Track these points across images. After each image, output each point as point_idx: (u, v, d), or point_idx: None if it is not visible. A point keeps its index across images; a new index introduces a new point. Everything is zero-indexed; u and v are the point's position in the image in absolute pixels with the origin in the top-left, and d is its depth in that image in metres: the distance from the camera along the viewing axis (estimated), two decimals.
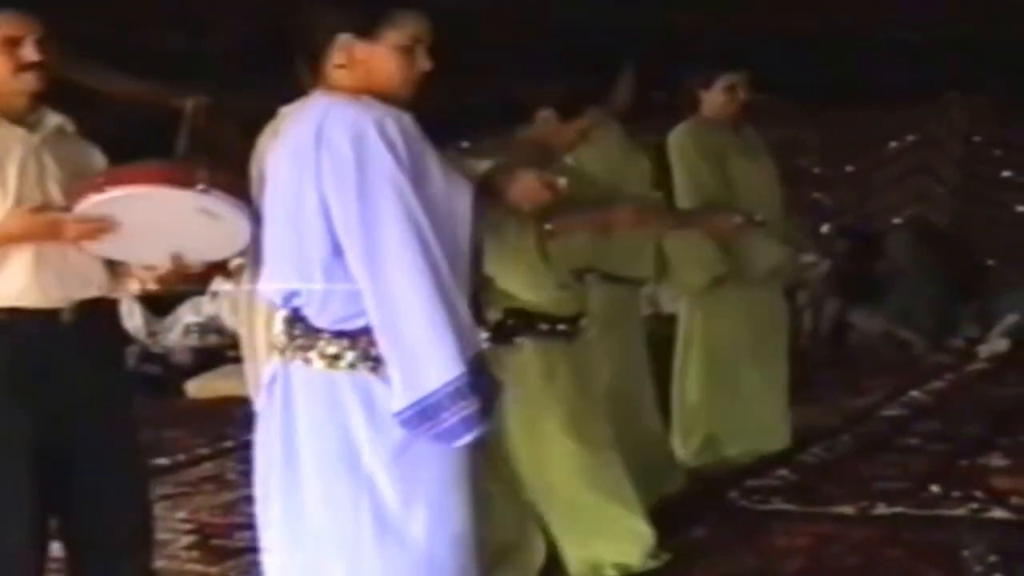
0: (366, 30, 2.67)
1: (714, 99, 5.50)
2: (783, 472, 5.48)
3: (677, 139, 5.49)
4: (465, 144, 7.08)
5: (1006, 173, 10.20)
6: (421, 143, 2.62)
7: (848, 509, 4.93)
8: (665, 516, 4.80)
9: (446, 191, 2.62)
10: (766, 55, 6.59)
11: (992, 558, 3.93)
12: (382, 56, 2.68)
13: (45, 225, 3.12)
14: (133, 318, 9.08)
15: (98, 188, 2.99)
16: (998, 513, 4.76)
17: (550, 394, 4.16)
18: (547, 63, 4.46)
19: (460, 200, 2.64)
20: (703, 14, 7.24)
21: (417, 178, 2.56)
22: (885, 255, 9.55)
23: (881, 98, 9.83)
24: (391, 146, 2.54)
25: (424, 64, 2.73)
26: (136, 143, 3.44)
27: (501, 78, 4.43)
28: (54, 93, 3.32)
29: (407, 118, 2.62)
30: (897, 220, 10.16)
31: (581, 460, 4.20)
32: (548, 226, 4.03)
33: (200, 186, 2.88)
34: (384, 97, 2.67)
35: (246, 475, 5.76)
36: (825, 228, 10.14)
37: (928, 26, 7.85)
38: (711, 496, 5.17)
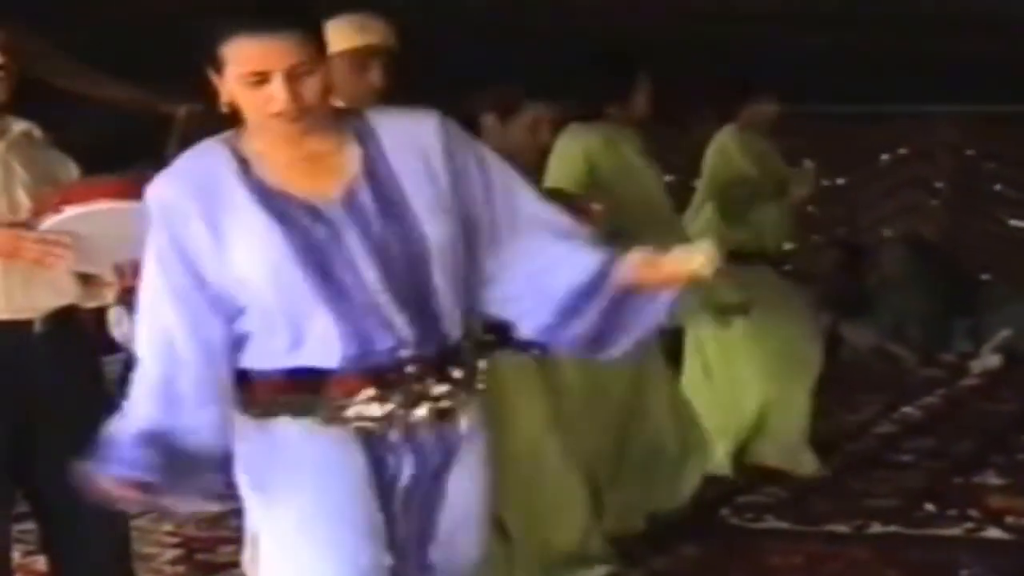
0: None
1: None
2: (774, 489, 5.41)
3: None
4: None
5: (998, 187, 10.17)
6: None
7: (842, 527, 4.88)
8: (656, 533, 4.77)
9: None
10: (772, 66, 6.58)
11: None
12: None
13: (5, 242, 3.07)
14: (121, 325, 9.01)
15: (55, 208, 3.00)
16: (993, 533, 4.72)
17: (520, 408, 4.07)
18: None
19: None
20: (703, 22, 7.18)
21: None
22: (876, 269, 9.48)
23: (873, 110, 9.82)
24: None
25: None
26: (127, 150, 3.40)
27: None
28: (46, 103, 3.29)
29: None
30: (889, 233, 10.11)
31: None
32: None
33: None
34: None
35: (232, 487, 5.77)
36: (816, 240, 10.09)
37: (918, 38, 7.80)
38: (702, 513, 5.08)
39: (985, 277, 9.90)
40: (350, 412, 2.28)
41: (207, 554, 4.82)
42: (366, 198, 2.26)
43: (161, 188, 2.29)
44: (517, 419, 4.06)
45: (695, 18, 7.05)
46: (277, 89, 2.17)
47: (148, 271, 2.29)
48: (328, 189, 2.26)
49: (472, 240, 2.34)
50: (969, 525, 4.82)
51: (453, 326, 2.31)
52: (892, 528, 4.84)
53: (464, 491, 2.40)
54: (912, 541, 4.69)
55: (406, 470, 2.33)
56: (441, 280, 2.27)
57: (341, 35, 3.38)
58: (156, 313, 2.27)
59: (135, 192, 2.89)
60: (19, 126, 3.26)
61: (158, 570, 4.64)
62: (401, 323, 2.25)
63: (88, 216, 2.97)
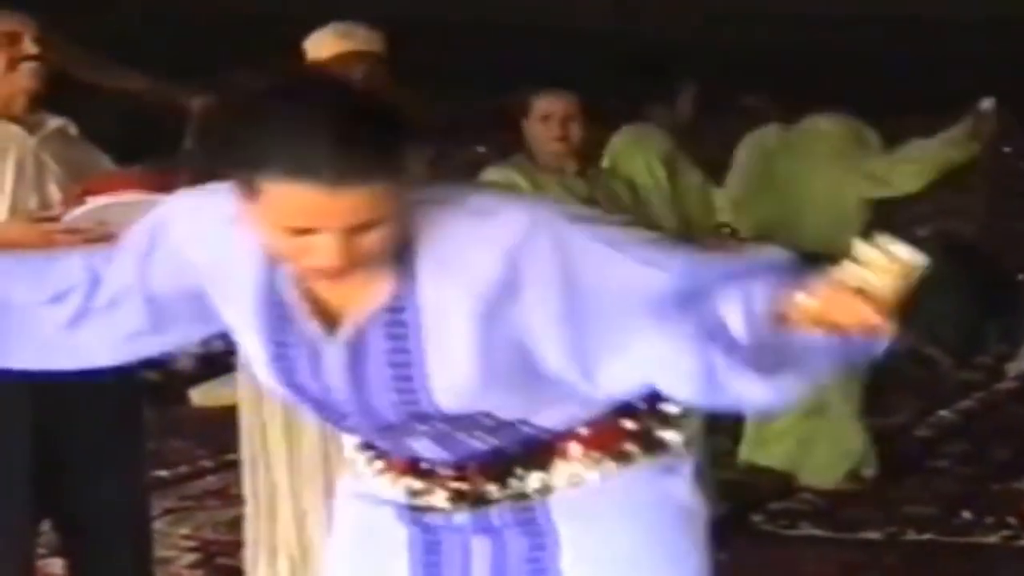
0: None
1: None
2: (808, 496, 5.37)
3: None
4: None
5: None
6: None
7: (876, 535, 4.84)
8: None
9: None
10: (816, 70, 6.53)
11: None
12: None
13: (39, 236, 3.05)
14: None
15: (78, 199, 3.02)
16: None
17: None
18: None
19: None
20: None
21: None
22: None
23: (909, 108, 9.72)
24: None
25: None
26: (144, 142, 3.41)
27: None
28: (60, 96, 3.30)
29: None
30: (923, 233, 10.01)
31: None
32: None
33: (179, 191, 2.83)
34: None
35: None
36: None
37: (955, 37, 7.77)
38: (736, 519, 5.04)
39: (1022, 278, 9.83)
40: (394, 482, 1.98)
41: (227, 558, 4.80)
42: (376, 338, 1.79)
43: (181, 221, 1.93)
44: None
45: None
46: (325, 245, 1.66)
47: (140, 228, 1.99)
48: (340, 319, 1.80)
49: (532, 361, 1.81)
50: (1006, 532, 4.78)
51: (508, 438, 1.90)
52: (927, 536, 4.80)
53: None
54: (948, 549, 4.65)
55: (478, 558, 1.96)
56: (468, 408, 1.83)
57: (323, 43, 3.43)
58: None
59: (158, 184, 2.92)
60: (54, 122, 3.28)
61: (176, 574, 4.64)
62: (420, 447, 1.91)
63: (111, 207, 2.95)
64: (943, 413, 7.03)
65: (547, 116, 4.27)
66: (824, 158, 5.63)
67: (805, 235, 5.35)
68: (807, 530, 4.96)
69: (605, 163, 4.97)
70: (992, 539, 4.72)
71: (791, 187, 5.70)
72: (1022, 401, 7.52)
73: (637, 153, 4.93)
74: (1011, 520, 4.88)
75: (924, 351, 8.65)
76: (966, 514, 5.03)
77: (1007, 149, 10.14)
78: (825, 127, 5.70)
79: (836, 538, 4.84)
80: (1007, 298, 9.41)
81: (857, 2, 6.60)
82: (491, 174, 4.36)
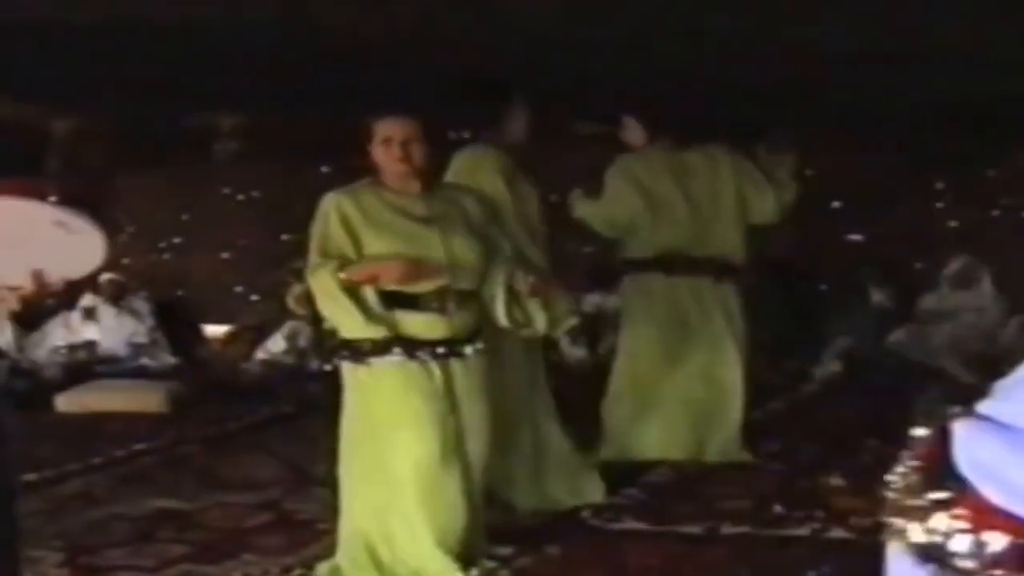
0: None
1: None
2: (632, 491, 5.60)
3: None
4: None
5: (836, 203, 10.55)
6: None
7: (696, 528, 5.05)
8: (520, 534, 4.93)
9: None
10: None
11: None
12: None
13: None
14: (4, 333, 8.99)
15: None
16: (838, 533, 4.92)
17: (397, 417, 4.34)
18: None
19: None
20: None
21: None
22: None
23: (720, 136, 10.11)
24: None
25: None
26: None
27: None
28: None
29: None
30: None
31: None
32: (342, 275, 4.29)
33: (52, 198, 2.91)
34: None
35: (115, 492, 5.86)
36: None
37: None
38: (564, 514, 5.26)
39: (824, 288, 10.28)
40: None
41: (92, 557, 4.89)
42: None
43: None
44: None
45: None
46: None
47: None
48: None
49: None
50: (816, 526, 5.01)
51: None
52: (743, 529, 5.02)
53: None
54: (762, 541, 4.86)
55: None
56: None
57: None
58: None
59: (34, 191, 2.97)
60: None
61: (44, 573, 4.65)
62: None
63: None
64: (755, 414, 7.32)
65: (388, 139, 4.39)
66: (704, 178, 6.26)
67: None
68: (631, 524, 5.16)
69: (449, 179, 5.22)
70: (803, 531, 4.96)
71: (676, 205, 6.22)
72: (826, 403, 7.92)
73: (477, 171, 5.26)
74: (819, 514, 5.14)
75: None
76: (778, 508, 5.29)
77: (810, 172, 10.58)
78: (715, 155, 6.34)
79: (659, 532, 5.04)
80: (812, 307, 9.86)
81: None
82: (324, 201, 4.45)
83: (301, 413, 7.68)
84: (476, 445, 4.49)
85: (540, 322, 4.66)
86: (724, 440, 6.27)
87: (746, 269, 6.44)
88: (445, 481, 4.37)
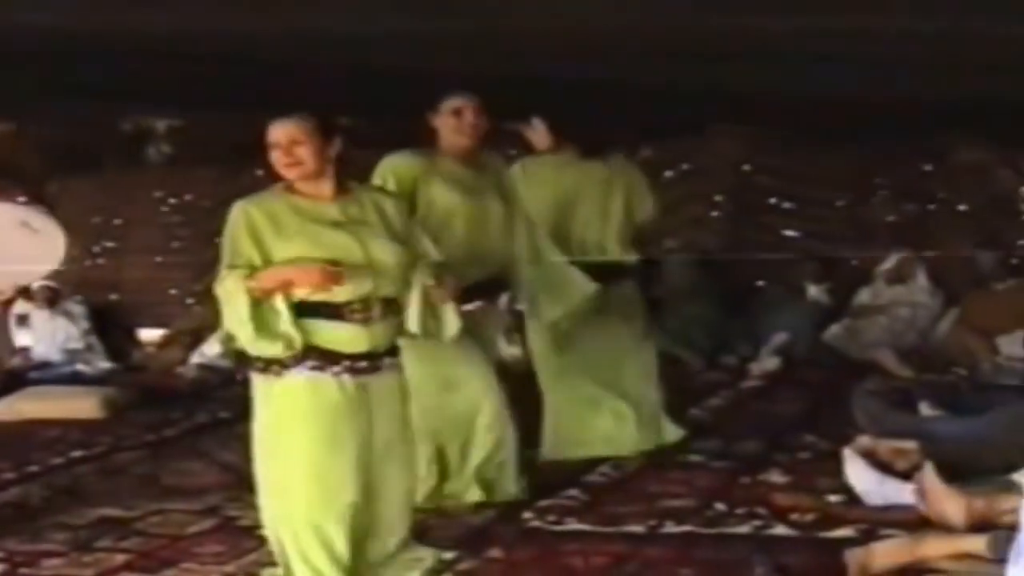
0: None
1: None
2: (575, 492, 5.59)
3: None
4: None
5: (772, 200, 10.62)
6: None
7: (639, 528, 5.05)
8: (462, 536, 4.91)
9: None
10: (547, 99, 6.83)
11: None
12: None
13: None
14: None
15: None
16: (780, 530, 4.93)
17: (311, 434, 4.27)
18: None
19: None
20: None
21: None
22: (663, 279, 9.80)
23: (654, 133, 10.17)
24: None
25: None
26: None
27: None
28: None
29: None
30: (672, 245, 10.43)
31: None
32: (251, 283, 4.16)
33: (21, 198, 2.87)
34: None
35: (53, 500, 5.78)
36: None
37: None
38: (506, 516, 5.25)
39: (761, 284, 10.35)
40: None
41: (32, 568, 4.84)
42: None
43: None
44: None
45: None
46: None
47: None
48: None
49: None
50: (757, 523, 5.02)
51: None
52: (686, 527, 5.01)
53: None
54: (705, 540, 4.85)
55: None
56: None
57: None
58: None
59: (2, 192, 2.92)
60: None
61: None
62: None
63: None
64: (694, 411, 7.36)
65: (274, 144, 4.29)
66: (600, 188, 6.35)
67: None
68: (574, 525, 5.14)
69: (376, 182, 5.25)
70: (744, 529, 4.96)
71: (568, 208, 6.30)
72: (766, 399, 7.95)
73: (390, 174, 5.30)
74: (760, 511, 5.14)
75: (676, 353, 9.05)
76: (719, 506, 5.29)
77: (746, 167, 10.67)
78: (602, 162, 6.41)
79: (602, 532, 5.02)
80: (748, 303, 9.91)
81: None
82: (233, 209, 4.32)
83: (238, 417, 7.58)
84: (393, 465, 4.44)
85: (451, 328, 4.62)
86: (652, 427, 6.39)
87: (635, 267, 6.57)
88: (358, 503, 4.33)
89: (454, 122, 5.39)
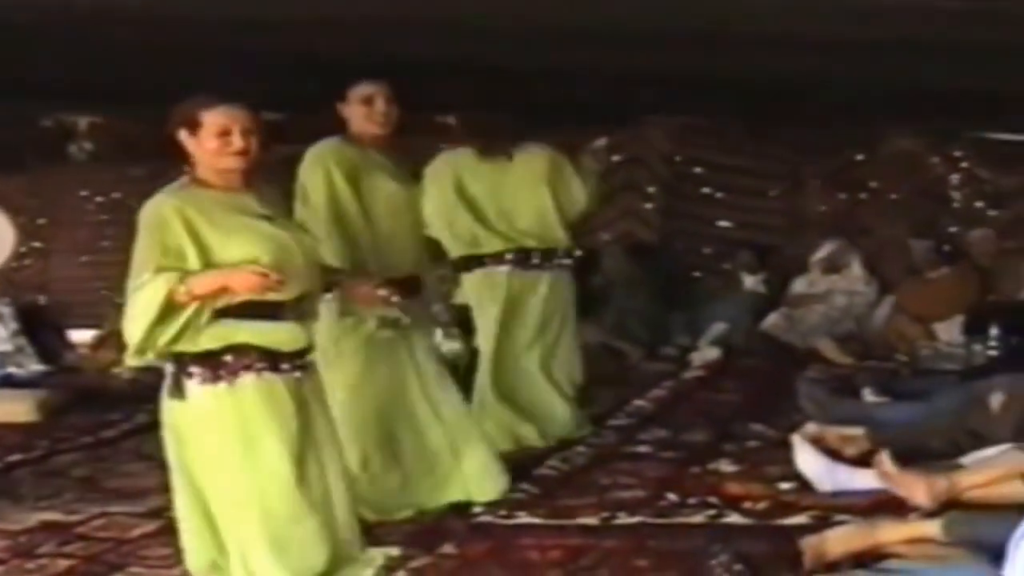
0: None
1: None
2: (525, 485, 5.55)
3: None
4: None
5: (706, 190, 10.65)
6: None
7: (593, 520, 5.03)
8: (414, 534, 4.86)
9: None
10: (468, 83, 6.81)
11: (737, 566, 4.06)
12: None
13: None
14: None
15: None
16: (734, 518, 4.94)
17: (269, 434, 4.17)
18: None
19: None
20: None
21: None
22: (599, 271, 9.79)
23: (584, 122, 10.14)
24: None
25: None
26: None
27: None
28: None
29: None
30: (607, 237, 10.44)
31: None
32: (182, 288, 3.94)
33: None
34: None
35: None
36: None
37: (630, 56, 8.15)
38: (456, 512, 5.20)
39: (698, 275, 10.38)
40: None
41: None
42: None
43: None
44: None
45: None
46: None
47: None
48: None
49: None
50: (711, 512, 5.02)
51: None
52: (639, 518, 5.00)
53: None
54: (660, 530, 4.84)
55: None
56: None
57: None
58: None
59: None
60: None
61: None
62: None
63: None
64: (638, 402, 7.37)
65: (225, 131, 4.07)
66: (532, 180, 6.38)
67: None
68: (526, 518, 5.10)
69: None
70: (699, 518, 4.97)
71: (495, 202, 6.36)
72: (709, 388, 7.97)
73: (318, 166, 5.15)
74: (713, 500, 5.15)
75: (615, 345, 9.06)
76: (672, 496, 5.28)
77: (678, 158, 10.69)
78: (534, 154, 6.45)
79: (555, 524, 4.99)
80: (685, 294, 9.95)
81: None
82: (156, 206, 4.08)
83: None
84: (332, 463, 4.35)
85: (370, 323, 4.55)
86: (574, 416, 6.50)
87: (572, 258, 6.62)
88: (306, 499, 4.21)
89: (364, 110, 5.19)
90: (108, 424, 7.50)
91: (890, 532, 4.16)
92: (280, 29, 6.97)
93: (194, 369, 4.09)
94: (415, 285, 5.24)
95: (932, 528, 4.07)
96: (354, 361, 5.12)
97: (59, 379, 9.15)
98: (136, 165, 11.29)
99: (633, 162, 10.68)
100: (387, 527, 4.94)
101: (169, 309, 3.94)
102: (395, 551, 4.62)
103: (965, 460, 5.00)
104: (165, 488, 5.82)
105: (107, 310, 10.70)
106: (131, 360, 4.11)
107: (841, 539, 4.21)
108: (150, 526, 5.26)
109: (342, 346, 5.09)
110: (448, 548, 4.76)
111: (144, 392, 8.44)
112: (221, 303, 4.02)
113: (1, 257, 3.33)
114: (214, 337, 4.03)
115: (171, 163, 10.00)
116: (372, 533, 4.65)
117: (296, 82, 7.95)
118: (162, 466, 6.25)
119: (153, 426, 7.36)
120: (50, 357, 9.72)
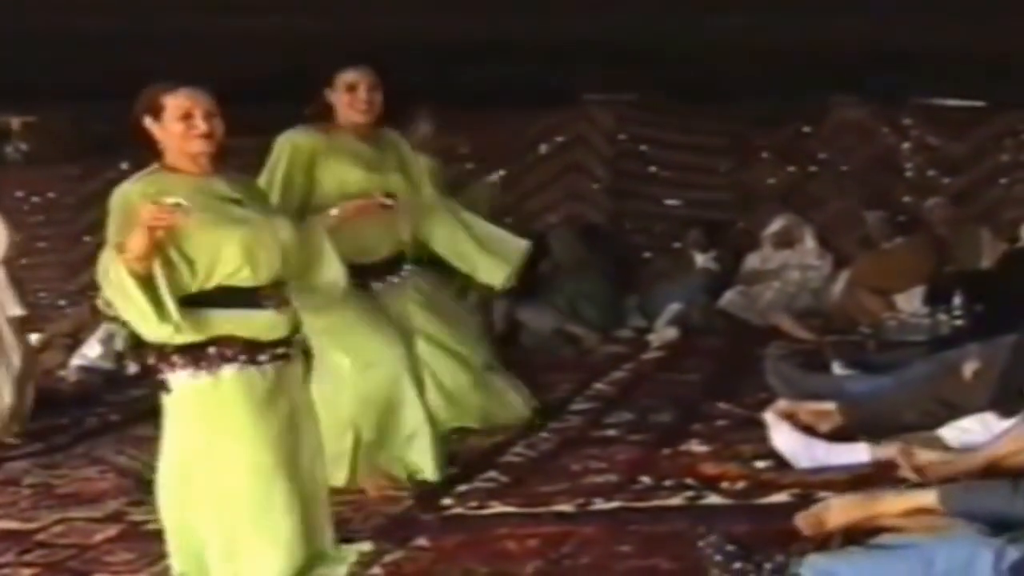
0: None
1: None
2: (493, 474, 5.43)
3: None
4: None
5: (652, 168, 10.56)
6: None
7: (568, 507, 4.91)
8: (386, 528, 4.73)
9: None
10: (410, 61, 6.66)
11: (729, 547, 3.96)
12: None
13: None
14: None
15: None
16: (714, 499, 4.84)
17: (253, 429, 4.06)
18: None
19: None
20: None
21: None
22: (547, 254, 9.67)
23: (524, 102, 10.05)
24: None
25: None
26: None
27: None
28: None
29: None
30: (554, 219, 10.35)
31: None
32: (122, 256, 3.82)
33: None
34: None
35: None
36: None
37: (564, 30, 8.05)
38: (426, 504, 5.07)
39: (648, 255, 10.30)
40: None
41: None
42: None
43: None
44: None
45: None
46: None
47: None
48: None
49: None
50: (689, 494, 4.92)
51: None
52: (615, 503, 4.90)
53: None
54: (639, 514, 4.74)
55: None
56: None
57: None
58: None
59: None
60: None
61: None
62: None
63: None
64: (600, 386, 7.27)
65: (188, 114, 4.02)
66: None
67: None
68: (499, 508, 4.98)
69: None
70: (677, 500, 4.86)
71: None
72: (670, 368, 7.87)
73: (286, 149, 5.17)
74: (689, 481, 5.05)
75: (569, 330, 8.95)
76: (646, 479, 5.17)
77: (622, 137, 10.60)
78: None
79: (530, 513, 4.87)
80: (637, 275, 9.87)
81: None
82: (126, 193, 3.99)
83: (128, 420, 7.31)
84: (309, 457, 4.24)
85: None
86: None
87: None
88: (289, 492, 4.10)
89: (348, 98, 5.28)
90: (58, 429, 7.30)
91: (888, 503, 4.11)
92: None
93: (177, 360, 4.02)
94: (392, 266, 5.35)
95: (930, 499, 4.02)
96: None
97: None
98: (70, 165, 11.11)
99: (577, 142, 10.59)
100: (355, 520, 4.84)
101: (141, 280, 3.81)
102: (367, 546, 4.50)
103: (943, 432, 4.94)
104: (121, 491, 5.71)
105: (48, 313, 10.49)
106: (177, 338, 3.94)
107: (842, 508, 4.15)
108: (111, 531, 5.12)
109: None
110: (421, 541, 4.63)
111: (91, 395, 8.31)
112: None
113: None
114: (195, 328, 3.96)
115: (105, 161, 9.86)
116: (339, 529, 4.51)
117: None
118: (116, 470, 6.14)
119: (103, 429, 7.29)
120: None
